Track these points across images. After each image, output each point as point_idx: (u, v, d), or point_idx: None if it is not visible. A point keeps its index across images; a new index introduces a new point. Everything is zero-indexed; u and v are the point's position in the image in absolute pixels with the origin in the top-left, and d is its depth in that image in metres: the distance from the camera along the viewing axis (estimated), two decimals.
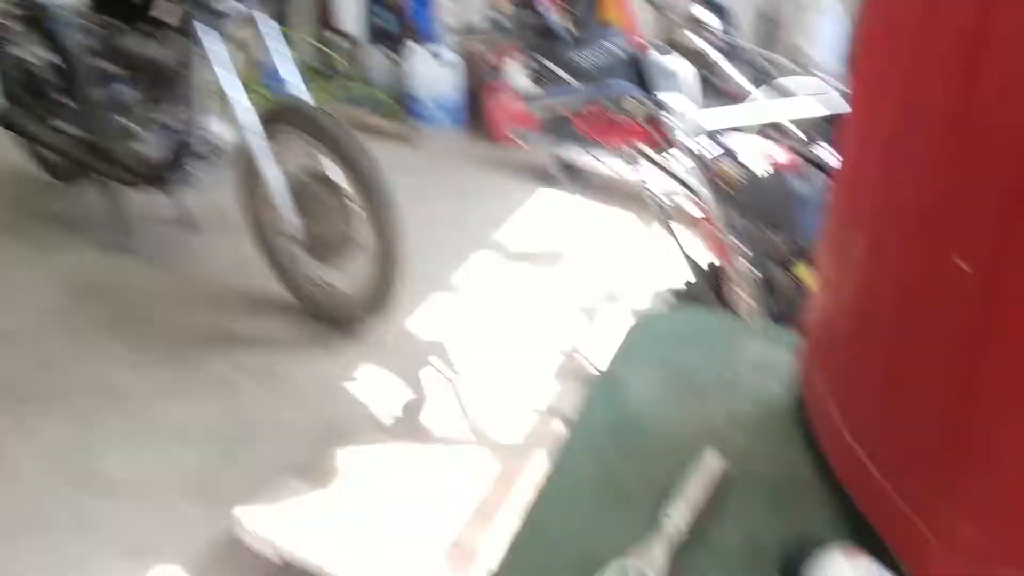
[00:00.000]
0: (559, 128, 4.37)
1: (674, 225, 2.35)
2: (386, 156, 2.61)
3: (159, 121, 2.98)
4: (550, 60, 2.10)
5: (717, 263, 2.37)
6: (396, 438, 2.27)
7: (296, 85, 2.80)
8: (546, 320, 3.00)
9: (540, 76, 2.14)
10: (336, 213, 2.66)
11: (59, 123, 3.28)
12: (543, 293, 3.19)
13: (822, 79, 2.19)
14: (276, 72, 2.79)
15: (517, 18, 3.59)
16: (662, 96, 1.75)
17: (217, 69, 2.65)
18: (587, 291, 3.23)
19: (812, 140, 2.30)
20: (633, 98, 1.76)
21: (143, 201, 3.28)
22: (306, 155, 2.73)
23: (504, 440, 2.30)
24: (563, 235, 3.65)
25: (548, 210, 3.90)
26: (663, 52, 1.82)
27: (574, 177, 4.15)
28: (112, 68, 3.01)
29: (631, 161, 2.29)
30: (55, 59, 3.16)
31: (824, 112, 2.17)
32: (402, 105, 4.91)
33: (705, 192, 1.94)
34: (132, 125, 2.96)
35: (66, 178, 3.61)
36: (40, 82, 3.25)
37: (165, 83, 2.89)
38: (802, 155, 2.09)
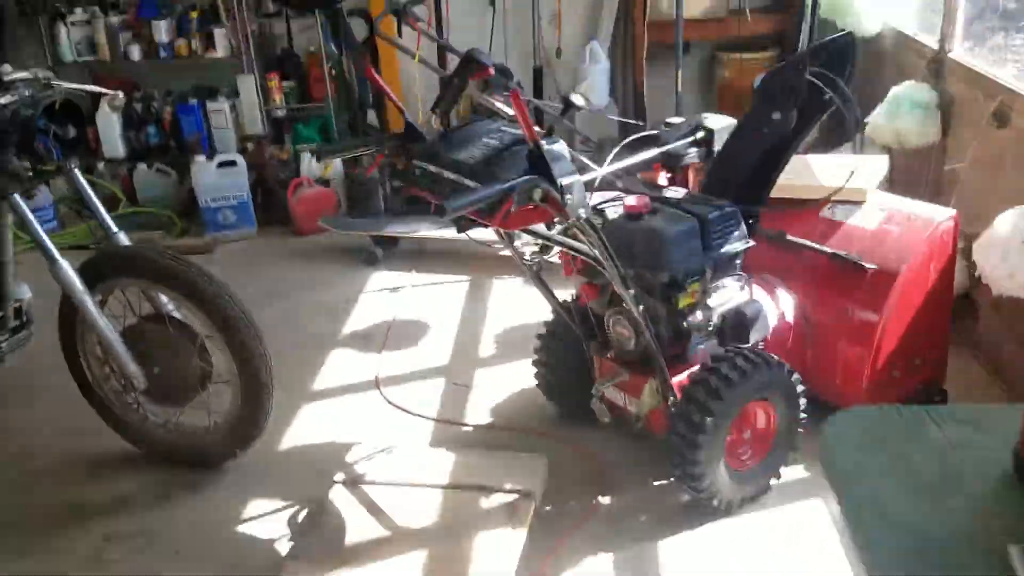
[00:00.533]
0: (365, 208, 4.40)
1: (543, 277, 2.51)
2: None
3: None
4: (423, 160, 2.12)
5: (575, 301, 2.55)
6: (309, 562, 2.13)
7: (111, 228, 2.59)
8: (418, 396, 2.96)
9: (413, 178, 2.17)
10: (183, 351, 2.49)
11: None
12: (405, 372, 3.15)
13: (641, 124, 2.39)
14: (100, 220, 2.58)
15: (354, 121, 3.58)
16: (563, 179, 1.85)
17: (34, 232, 2.41)
18: (445, 355, 3.23)
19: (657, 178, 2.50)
20: (542, 188, 1.86)
21: None
22: (138, 297, 2.56)
23: (424, 523, 2.23)
24: (407, 309, 3.63)
25: (384, 289, 3.86)
26: (549, 139, 1.92)
27: (393, 253, 4.15)
28: None
29: (510, 236, 2.41)
30: None
31: (653, 154, 2.37)
32: (189, 217, 4.70)
33: (592, 248, 2.05)
34: None
35: None
36: None
37: None
38: (651, 196, 2.27)
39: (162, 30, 4.59)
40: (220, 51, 4.64)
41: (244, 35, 4.63)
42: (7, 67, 2.51)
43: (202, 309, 2.40)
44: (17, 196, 2.42)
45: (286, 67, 4.86)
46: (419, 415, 2.85)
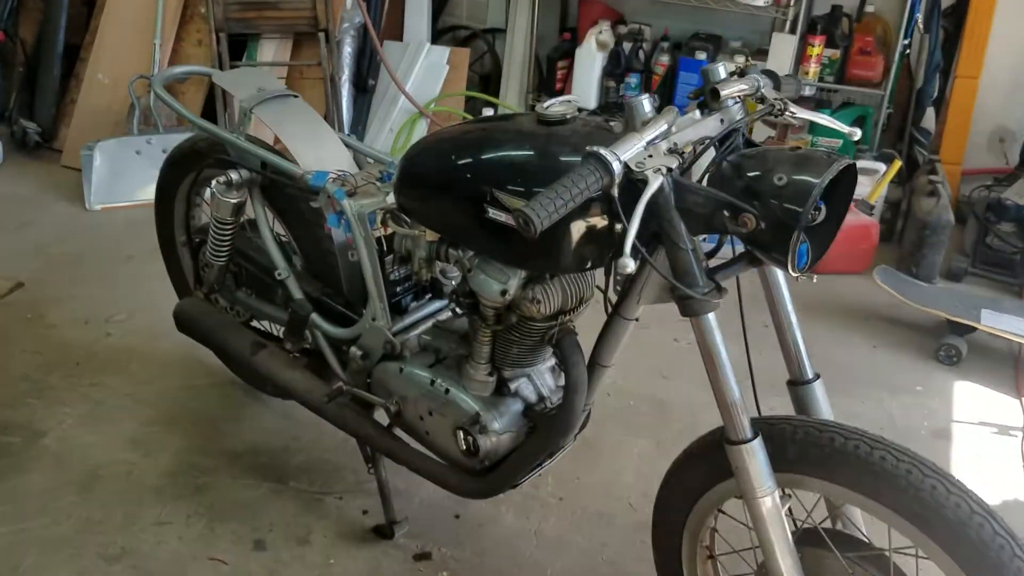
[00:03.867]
0: (918, 262, 3.11)
1: None
2: None
3: (510, 386, 1.73)
4: None
5: None
6: None
7: (805, 361, 1.52)
8: None
9: None
10: None
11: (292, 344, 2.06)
12: None
13: None
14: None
15: None
16: None
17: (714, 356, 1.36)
18: None
19: None
20: None
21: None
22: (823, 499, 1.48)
23: None
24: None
25: (986, 423, 2.57)
26: None
27: (976, 347, 2.83)
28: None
29: None
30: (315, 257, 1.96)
31: None
32: None
33: None
34: (458, 392, 1.70)
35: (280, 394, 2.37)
36: (265, 285, 2.01)
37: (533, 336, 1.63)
38: None
39: None
40: None
41: None
42: (721, 69, 1.41)
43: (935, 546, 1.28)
44: (712, 317, 1.36)
45: (832, 32, 3.56)
46: None
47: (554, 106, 1.48)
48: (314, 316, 1.96)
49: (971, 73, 3.51)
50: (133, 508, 2.09)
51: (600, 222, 1.41)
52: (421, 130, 4.06)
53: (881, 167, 3.26)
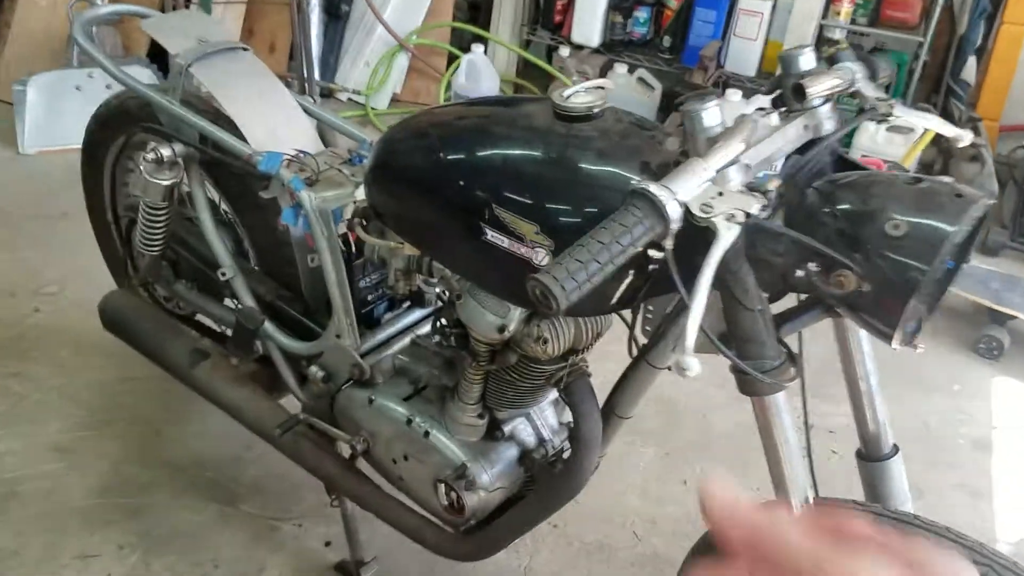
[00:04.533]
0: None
1: None
2: None
3: (503, 428, 1.42)
4: None
5: None
6: None
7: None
8: None
9: None
10: None
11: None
12: None
13: None
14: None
15: None
16: None
17: (779, 444, 1.05)
18: None
19: None
20: None
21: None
22: None
23: None
24: None
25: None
26: None
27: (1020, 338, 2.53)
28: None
29: None
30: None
31: None
32: None
33: None
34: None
35: None
36: (209, 280, 1.65)
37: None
38: None
39: None
40: None
41: None
42: (807, 55, 1.05)
43: None
44: (781, 397, 1.03)
45: None
46: None
47: (578, 94, 1.11)
48: (267, 325, 1.61)
49: (1020, 20, 3.12)
50: (55, 536, 1.77)
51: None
52: (401, 65, 3.63)
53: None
